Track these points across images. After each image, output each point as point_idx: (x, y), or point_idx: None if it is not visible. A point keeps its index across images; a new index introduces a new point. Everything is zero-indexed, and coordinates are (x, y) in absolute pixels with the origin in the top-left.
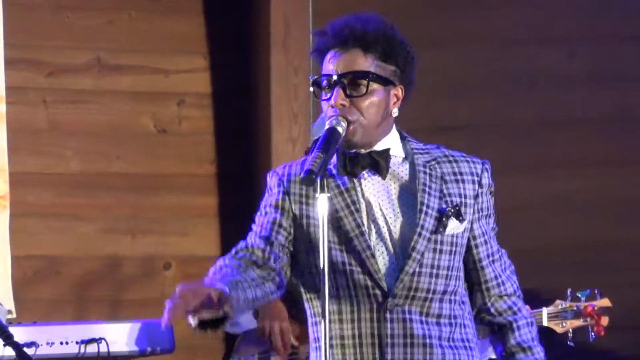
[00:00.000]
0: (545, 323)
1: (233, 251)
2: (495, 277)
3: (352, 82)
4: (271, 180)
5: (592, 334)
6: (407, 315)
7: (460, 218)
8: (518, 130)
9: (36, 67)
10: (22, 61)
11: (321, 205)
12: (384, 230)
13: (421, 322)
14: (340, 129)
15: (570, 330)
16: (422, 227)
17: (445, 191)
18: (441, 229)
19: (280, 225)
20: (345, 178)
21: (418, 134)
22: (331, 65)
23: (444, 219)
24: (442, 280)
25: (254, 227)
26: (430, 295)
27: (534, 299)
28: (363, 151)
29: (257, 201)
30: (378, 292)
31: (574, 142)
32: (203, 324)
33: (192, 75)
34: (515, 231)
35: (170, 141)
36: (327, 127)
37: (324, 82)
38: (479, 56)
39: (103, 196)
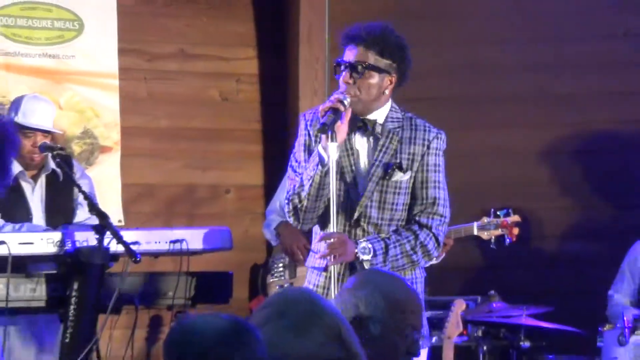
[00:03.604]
0: (475, 232)
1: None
2: (424, 206)
3: (354, 68)
4: (301, 122)
5: (508, 239)
6: (362, 234)
7: (403, 170)
8: (471, 103)
9: (139, 55)
10: (130, 51)
11: (332, 150)
12: (360, 172)
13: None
14: (346, 102)
15: (493, 237)
16: (372, 174)
17: (398, 150)
18: (387, 177)
19: (305, 160)
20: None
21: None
22: (346, 56)
23: (389, 170)
24: (387, 213)
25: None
26: (379, 222)
27: (470, 217)
28: (359, 117)
29: (288, 149)
30: (348, 209)
31: (509, 111)
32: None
33: (245, 61)
34: (467, 171)
35: (230, 107)
36: (334, 99)
37: (342, 67)
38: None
39: (183, 143)
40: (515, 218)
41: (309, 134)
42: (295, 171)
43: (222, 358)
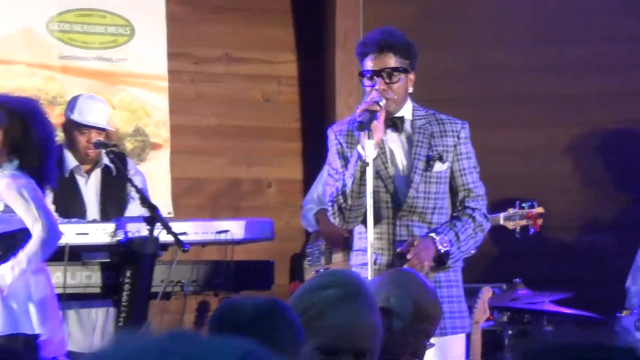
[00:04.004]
0: (501, 222)
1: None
2: (465, 192)
3: (389, 74)
4: (330, 135)
5: (532, 229)
6: (409, 223)
7: (442, 160)
8: (485, 103)
9: (187, 58)
10: (178, 55)
11: (369, 148)
12: (397, 166)
13: (419, 227)
14: (382, 103)
15: (518, 227)
16: (416, 167)
17: (432, 144)
18: (429, 169)
19: (342, 166)
20: None
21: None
22: (372, 64)
23: (430, 162)
24: (431, 202)
25: (330, 169)
26: (423, 211)
27: (497, 208)
28: (390, 116)
29: (326, 146)
30: (392, 205)
31: (512, 111)
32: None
33: (286, 65)
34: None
35: (272, 107)
36: (370, 99)
37: (368, 74)
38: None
39: (228, 141)
40: (539, 210)
41: (340, 142)
42: (333, 177)
43: (255, 330)
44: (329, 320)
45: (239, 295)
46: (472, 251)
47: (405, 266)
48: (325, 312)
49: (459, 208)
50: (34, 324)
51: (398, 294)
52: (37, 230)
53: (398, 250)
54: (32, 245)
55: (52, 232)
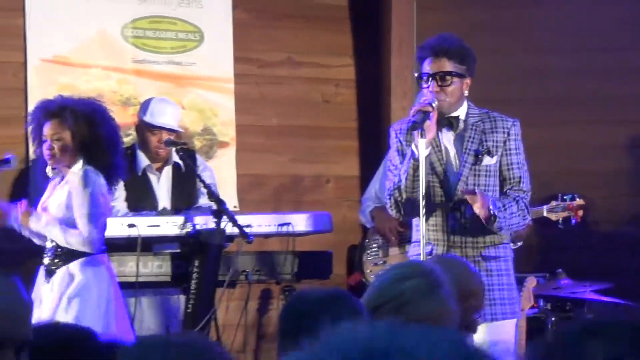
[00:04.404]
0: (545, 214)
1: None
2: (512, 184)
3: (442, 77)
4: (391, 133)
5: (573, 220)
6: (461, 215)
7: (491, 155)
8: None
9: (252, 62)
10: (244, 59)
11: (421, 146)
12: (450, 162)
13: (472, 217)
14: (434, 104)
15: (560, 218)
16: (465, 161)
17: (483, 140)
18: (478, 162)
19: (400, 162)
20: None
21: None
22: (428, 67)
23: (479, 156)
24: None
25: (390, 165)
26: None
27: (544, 202)
28: (444, 116)
29: (381, 145)
30: (444, 198)
31: (560, 110)
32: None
33: (344, 68)
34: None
35: (330, 108)
36: (424, 100)
37: (425, 77)
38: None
39: (290, 140)
40: (580, 202)
41: (400, 140)
42: (392, 172)
43: (318, 317)
44: (418, 308)
45: (300, 286)
46: (513, 232)
47: (472, 200)
48: (413, 301)
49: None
50: (96, 317)
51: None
52: (80, 234)
53: (462, 191)
54: (70, 235)
55: (87, 244)
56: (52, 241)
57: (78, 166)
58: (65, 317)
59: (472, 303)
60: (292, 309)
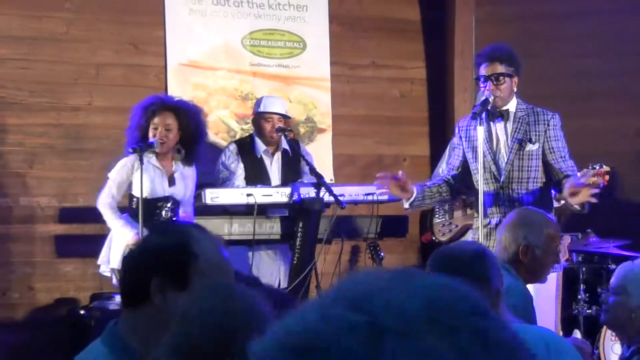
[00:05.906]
0: None
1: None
2: (559, 168)
3: (496, 78)
4: (455, 127)
5: (602, 183)
6: (511, 191)
7: (533, 142)
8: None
9: (344, 65)
10: (338, 62)
11: (480, 133)
12: (501, 149)
13: (519, 193)
14: (490, 99)
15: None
16: (512, 147)
17: (527, 130)
18: (522, 148)
19: (461, 154)
20: (488, 123)
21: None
22: (484, 70)
23: (522, 143)
24: (526, 173)
25: (451, 153)
26: (520, 180)
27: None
28: (498, 109)
29: (446, 131)
30: (495, 179)
31: (597, 104)
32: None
33: (416, 70)
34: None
35: (406, 101)
36: (483, 97)
37: (482, 78)
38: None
39: (375, 126)
40: (607, 168)
41: (460, 136)
42: (452, 158)
43: (472, 271)
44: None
45: (383, 242)
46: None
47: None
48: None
49: (562, 177)
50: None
51: (530, 230)
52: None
53: (572, 185)
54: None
55: (189, 215)
56: None
57: (177, 159)
58: None
59: (556, 245)
60: (441, 262)
